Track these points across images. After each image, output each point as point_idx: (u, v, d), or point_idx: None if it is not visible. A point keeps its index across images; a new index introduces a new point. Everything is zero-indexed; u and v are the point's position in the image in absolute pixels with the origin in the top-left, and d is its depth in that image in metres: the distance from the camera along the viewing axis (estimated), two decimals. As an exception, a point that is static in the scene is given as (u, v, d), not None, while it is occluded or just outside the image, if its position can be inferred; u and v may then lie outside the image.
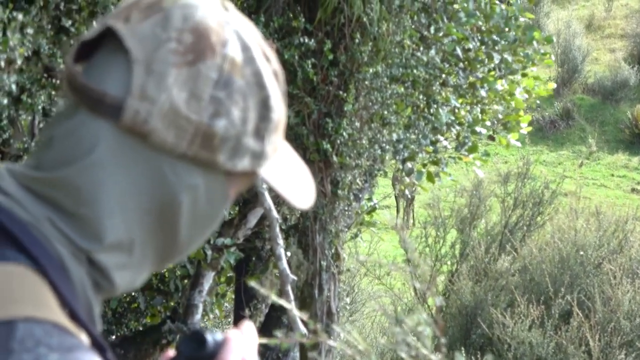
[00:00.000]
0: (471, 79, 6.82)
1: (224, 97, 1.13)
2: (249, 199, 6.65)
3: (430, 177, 7.04)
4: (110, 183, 1.11)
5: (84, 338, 1.09)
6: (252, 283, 2.13)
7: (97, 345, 1.11)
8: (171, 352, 1.23)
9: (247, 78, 1.16)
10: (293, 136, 5.95)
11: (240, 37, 1.16)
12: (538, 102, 7.40)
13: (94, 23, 4.20)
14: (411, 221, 16.71)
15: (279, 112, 1.21)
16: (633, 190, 20.69)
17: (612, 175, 21.56)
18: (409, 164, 6.80)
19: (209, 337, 1.22)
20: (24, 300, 1.04)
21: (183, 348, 1.22)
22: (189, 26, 1.12)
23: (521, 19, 6.86)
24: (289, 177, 1.25)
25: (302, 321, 4.53)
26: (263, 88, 1.18)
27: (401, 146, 6.39)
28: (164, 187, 1.14)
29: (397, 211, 17.39)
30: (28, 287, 1.06)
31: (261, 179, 1.22)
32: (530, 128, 7.49)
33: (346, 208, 6.18)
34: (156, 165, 1.13)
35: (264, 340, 1.93)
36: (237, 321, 7.24)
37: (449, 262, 9.95)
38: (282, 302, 2.07)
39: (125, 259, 1.15)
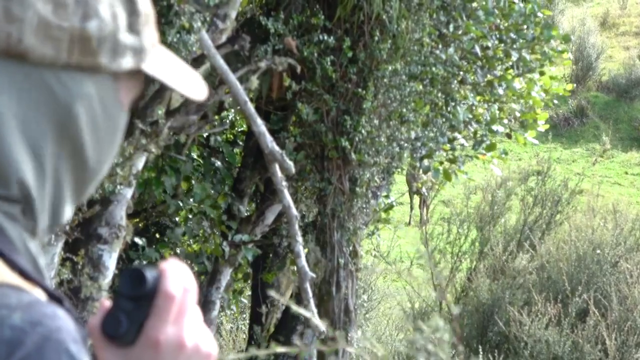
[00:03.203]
0: (489, 76, 6.81)
1: None
2: (267, 196, 6.66)
3: (447, 175, 7.03)
4: (4, 117, 1.10)
5: (40, 293, 1.09)
6: (272, 293, 2.14)
7: (53, 298, 1.10)
8: (107, 302, 1.18)
9: None
10: (312, 133, 5.95)
11: None
12: (555, 101, 7.38)
13: None
14: (425, 218, 16.70)
15: (144, 3, 1.18)
16: (647, 188, 20.64)
17: (626, 173, 21.49)
18: (426, 162, 6.80)
19: (148, 274, 1.16)
20: None
21: (123, 289, 1.16)
22: None
23: (539, 16, 6.85)
24: (174, 71, 1.22)
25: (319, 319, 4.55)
26: None
27: (419, 144, 6.39)
28: (56, 102, 1.12)
29: (411, 209, 17.37)
30: None
31: (155, 79, 1.19)
32: (547, 126, 7.48)
33: (364, 205, 6.18)
34: (43, 83, 1.11)
35: (285, 349, 1.93)
36: (253, 318, 7.25)
37: (468, 260, 9.94)
38: (300, 310, 2.08)
39: (40, 192, 1.13)
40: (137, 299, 1.16)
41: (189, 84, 1.23)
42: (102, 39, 1.13)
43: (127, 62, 1.16)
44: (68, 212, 1.20)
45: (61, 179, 1.16)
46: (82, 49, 1.12)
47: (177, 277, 1.16)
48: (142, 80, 1.20)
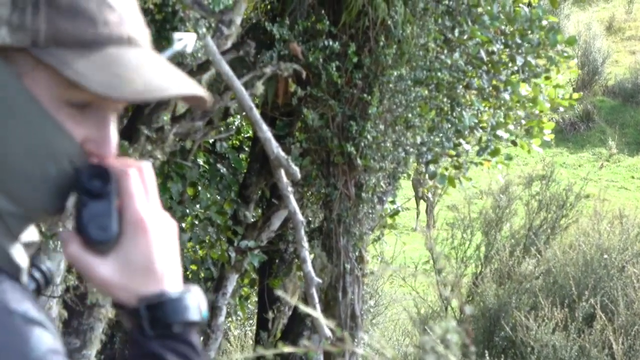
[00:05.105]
0: (495, 82, 6.81)
1: None
2: (273, 202, 6.66)
3: (452, 182, 7.02)
4: None
5: None
6: (280, 292, 2.14)
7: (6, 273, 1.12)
8: (66, 234, 1.15)
9: None
10: (317, 139, 5.96)
11: None
12: (561, 109, 7.37)
13: None
14: (431, 223, 16.70)
15: None
16: (654, 192, 20.60)
17: (633, 177, 21.45)
18: (432, 167, 6.79)
19: (105, 168, 1.16)
20: None
21: (94, 188, 1.14)
22: None
23: (544, 22, 6.84)
24: (125, 73, 1.15)
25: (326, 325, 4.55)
26: None
27: (425, 149, 6.38)
28: None
29: (417, 214, 17.37)
30: None
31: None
32: (552, 135, 7.47)
33: (370, 211, 6.18)
34: None
35: (293, 349, 1.93)
36: (260, 324, 7.25)
37: (473, 265, 9.93)
38: (309, 310, 2.07)
39: None
40: (104, 196, 1.15)
41: (132, 86, 1.15)
42: None
43: (1, 36, 1.12)
44: None
45: None
46: None
47: (121, 162, 1.18)
48: (58, 68, 1.13)
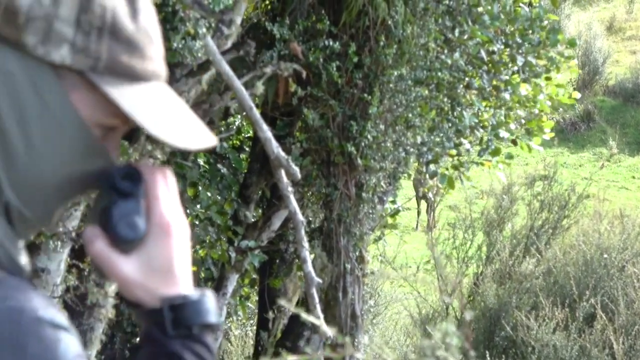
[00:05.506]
0: (495, 81, 6.80)
1: None
2: (274, 202, 6.66)
3: (451, 183, 7.02)
4: None
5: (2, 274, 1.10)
6: (283, 303, 2.14)
7: (14, 274, 1.12)
8: (92, 231, 1.17)
9: None
10: (318, 139, 5.95)
11: None
12: (561, 109, 7.37)
13: None
14: (432, 223, 16.70)
15: (112, 13, 1.15)
16: (655, 192, 20.59)
17: (633, 177, 21.45)
18: (432, 167, 6.79)
19: (137, 169, 1.18)
20: None
21: (125, 188, 1.16)
22: None
23: (545, 22, 6.84)
24: (163, 111, 1.19)
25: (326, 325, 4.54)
26: None
27: (425, 149, 6.38)
28: None
29: (418, 214, 17.37)
30: None
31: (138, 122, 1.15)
32: (553, 134, 7.46)
33: (370, 211, 6.17)
34: None
35: (294, 358, 1.93)
36: (260, 324, 7.25)
37: (474, 265, 9.93)
38: (310, 318, 2.07)
39: None
40: (134, 196, 1.17)
41: (171, 129, 1.18)
42: (32, 18, 1.10)
43: (61, 55, 1.12)
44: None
45: None
46: (7, 19, 1.10)
47: (150, 166, 1.21)
48: (114, 104, 1.16)
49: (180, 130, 1.19)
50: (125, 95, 1.16)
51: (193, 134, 1.20)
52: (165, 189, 1.21)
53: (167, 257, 1.19)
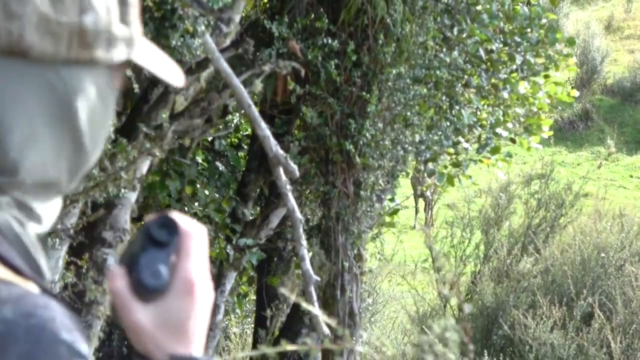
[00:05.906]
0: (494, 80, 6.81)
1: None
2: (272, 200, 6.66)
3: (450, 180, 7.02)
4: (8, 113, 1.10)
5: (32, 287, 1.09)
6: (282, 290, 2.14)
7: (46, 292, 1.11)
8: (117, 270, 1.17)
9: None
10: (316, 137, 5.95)
11: None
12: (559, 108, 7.37)
13: None
14: (430, 222, 16.69)
15: None
16: (652, 191, 20.61)
17: (631, 176, 21.46)
18: (430, 165, 6.79)
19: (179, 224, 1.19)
20: None
21: (158, 236, 1.16)
22: None
23: (544, 20, 6.84)
24: (156, 58, 1.24)
25: (325, 323, 4.54)
26: None
27: (423, 147, 6.38)
28: (57, 98, 1.12)
29: (416, 212, 17.36)
30: None
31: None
32: (551, 132, 7.47)
33: (368, 209, 6.18)
34: (44, 79, 1.11)
35: (295, 347, 1.93)
36: (258, 321, 7.25)
37: (472, 263, 9.94)
38: (310, 307, 2.08)
39: (40, 181, 1.15)
40: (164, 246, 1.17)
41: (168, 71, 1.24)
42: (97, 32, 1.13)
43: (120, 53, 1.16)
44: (59, 201, 1.22)
45: (60, 167, 1.17)
46: (80, 43, 1.12)
47: (189, 220, 1.21)
48: (128, 63, 1.21)
49: (169, 70, 1.24)
50: (140, 55, 1.20)
51: (175, 72, 1.25)
52: (198, 246, 1.20)
53: (185, 315, 1.17)
